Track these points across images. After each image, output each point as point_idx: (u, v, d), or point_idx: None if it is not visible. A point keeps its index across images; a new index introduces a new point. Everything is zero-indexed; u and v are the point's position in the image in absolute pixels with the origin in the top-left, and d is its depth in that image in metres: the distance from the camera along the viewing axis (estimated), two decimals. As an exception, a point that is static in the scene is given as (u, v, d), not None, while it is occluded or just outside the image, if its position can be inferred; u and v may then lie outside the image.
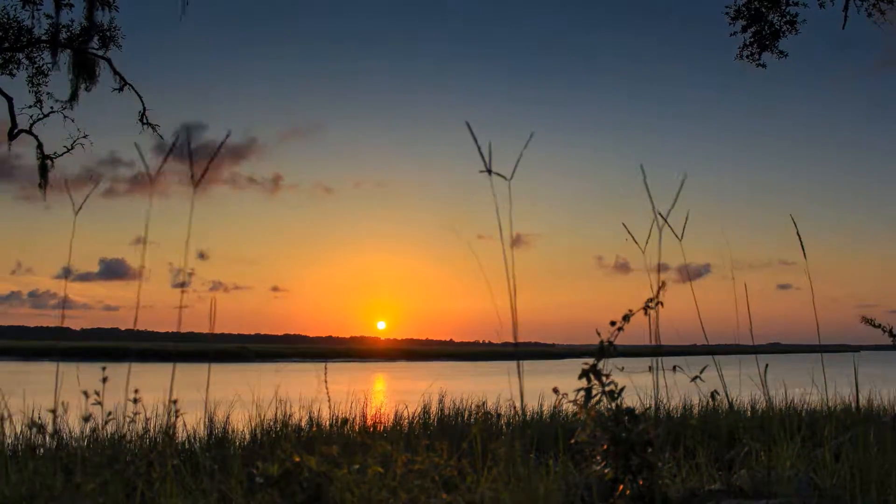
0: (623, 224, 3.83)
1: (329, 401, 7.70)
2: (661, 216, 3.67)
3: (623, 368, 3.63)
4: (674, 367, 4.05)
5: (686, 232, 3.80)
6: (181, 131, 3.48)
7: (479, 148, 3.40)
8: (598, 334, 3.46)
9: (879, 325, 4.97)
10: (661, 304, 3.50)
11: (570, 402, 3.51)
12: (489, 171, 3.43)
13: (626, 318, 3.46)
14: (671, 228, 3.80)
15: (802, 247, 4.71)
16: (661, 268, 3.57)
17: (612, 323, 3.44)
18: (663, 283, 3.47)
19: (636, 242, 3.70)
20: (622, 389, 3.44)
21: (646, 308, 3.48)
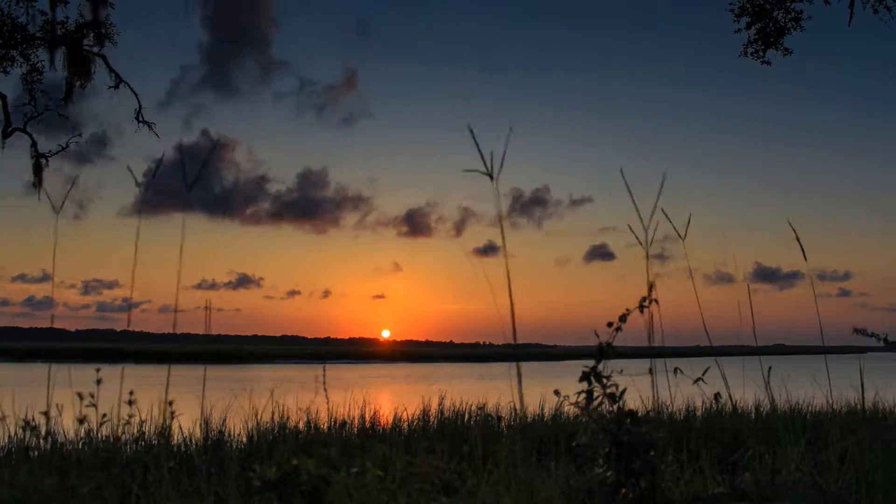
0: (629, 226, 3.79)
1: (327, 403, 7.64)
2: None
3: (622, 371, 3.58)
4: (675, 370, 4.00)
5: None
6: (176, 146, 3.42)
7: (480, 152, 3.36)
8: (597, 336, 3.41)
9: (873, 334, 4.94)
10: (656, 301, 3.46)
11: (571, 404, 3.47)
12: (490, 177, 3.40)
13: (622, 318, 3.42)
14: (675, 228, 3.75)
15: (803, 251, 4.69)
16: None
17: (609, 324, 3.41)
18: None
19: (640, 242, 3.67)
20: (623, 392, 3.40)
21: (641, 307, 3.44)
